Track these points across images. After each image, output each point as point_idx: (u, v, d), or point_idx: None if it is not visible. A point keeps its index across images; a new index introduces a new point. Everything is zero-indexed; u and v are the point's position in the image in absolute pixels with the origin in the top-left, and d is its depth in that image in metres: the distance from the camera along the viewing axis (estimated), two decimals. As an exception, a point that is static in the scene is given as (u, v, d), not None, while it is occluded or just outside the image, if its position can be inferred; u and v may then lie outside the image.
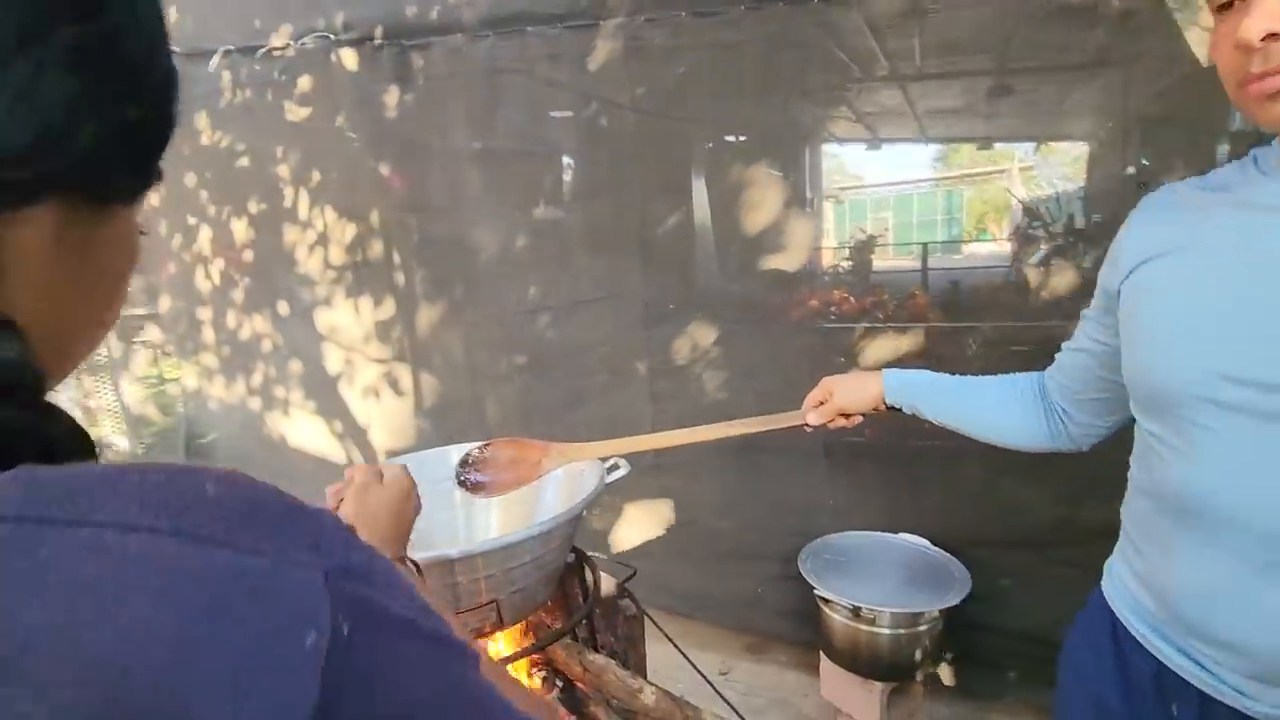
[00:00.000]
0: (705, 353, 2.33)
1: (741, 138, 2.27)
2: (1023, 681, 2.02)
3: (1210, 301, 0.68)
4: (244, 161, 2.91)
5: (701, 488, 2.37)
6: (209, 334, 3.17)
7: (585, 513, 1.26)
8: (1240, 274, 0.67)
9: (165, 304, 3.28)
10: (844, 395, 1.11)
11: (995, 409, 1.03)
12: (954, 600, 1.75)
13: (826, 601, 1.86)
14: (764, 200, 2.17)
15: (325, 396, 2.95)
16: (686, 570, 2.42)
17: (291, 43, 2.67)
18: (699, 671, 1.41)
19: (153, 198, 3.12)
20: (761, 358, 2.24)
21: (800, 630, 2.25)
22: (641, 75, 2.16)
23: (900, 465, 2.15)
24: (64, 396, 3.16)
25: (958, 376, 1.07)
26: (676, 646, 1.40)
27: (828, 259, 2.41)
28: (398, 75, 2.54)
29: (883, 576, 1.94)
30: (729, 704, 1.49)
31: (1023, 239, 2.26)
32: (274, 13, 2.67)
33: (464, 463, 1.22)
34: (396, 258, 2.69)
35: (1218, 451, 0.67)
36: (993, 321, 2.09)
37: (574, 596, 1.41)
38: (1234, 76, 0.65)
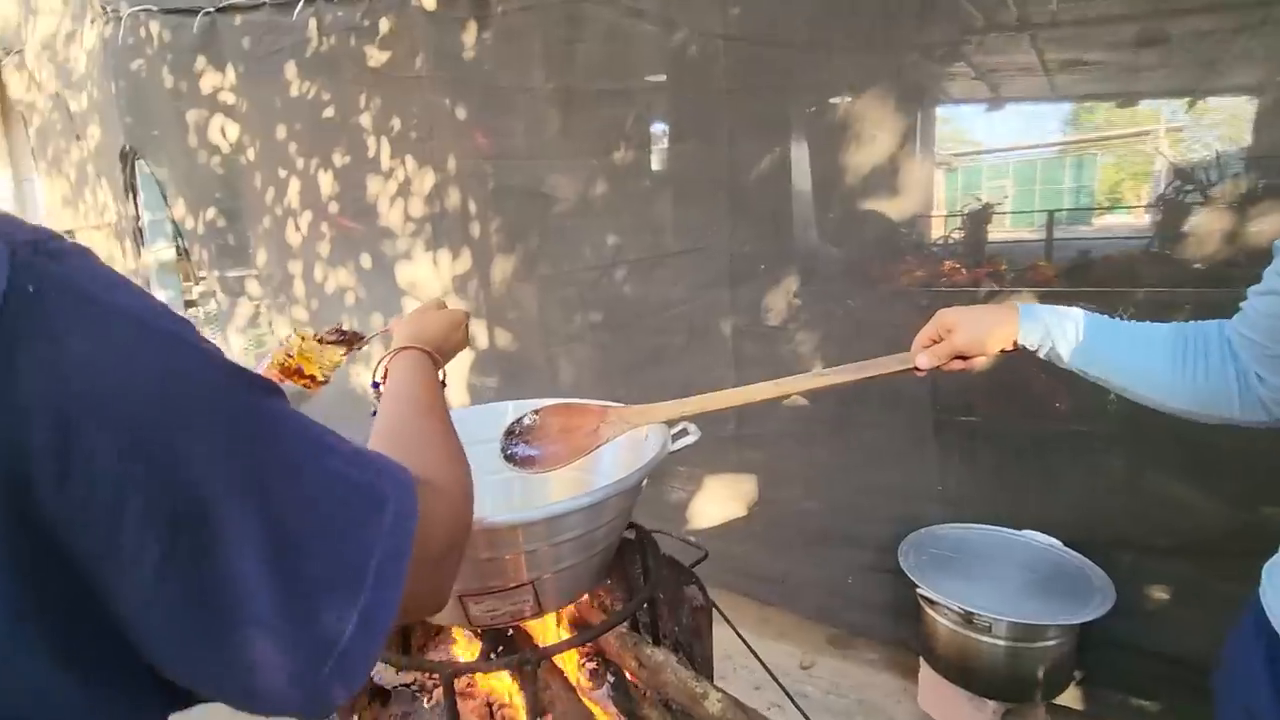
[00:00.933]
0: (796, 315, 2.08)
1: (848, 80, 1.96)
2: (1169, 714, 1.70)
3: None
4: (329, 112, 2.88)
5: (787, 463, 2.14)
6: (299, 288, 3.21)
7: (655, 486, 1.08)
8: None
9: (261, 258, 3.36)
10: (966, 332, 0.91)
11: (1165, 360, 0.82)
12: (1095, 613, 1.45)
13: (931, 603, 1.61)
14: (871, 153, 1.87)
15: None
16: (767, 553, 2.21)
17: (372, -16, 2.58)
18: (773, 677, 1.21)
19: (249, 151, 3.18)
20: (860, 325, 1.97)
21: (894, 628, 2.00)
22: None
23: (1027, 450, 1.84)
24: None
25: (1114, 319, 0.88)
26: (750, 649, 1.21)
27: (937, 228, 2.10)
28: (476, 12, 2.39)
29: (1000, 578, 1.66)
30: (800, 710, 1.29)
31: (1170, 207, 1.86)
32: (356, -47, 2.58)
33: (510, 433, 1.06)
34: (473, 207, 2.58)
35: None
36: (1145, 286, 1.73)
37: (634, 579, 1.25)
38: None
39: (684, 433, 1.08)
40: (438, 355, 0.79)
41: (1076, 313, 0.89)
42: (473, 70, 2.46)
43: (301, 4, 2.75)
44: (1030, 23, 1.77)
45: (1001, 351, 0.91)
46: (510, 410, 1.25)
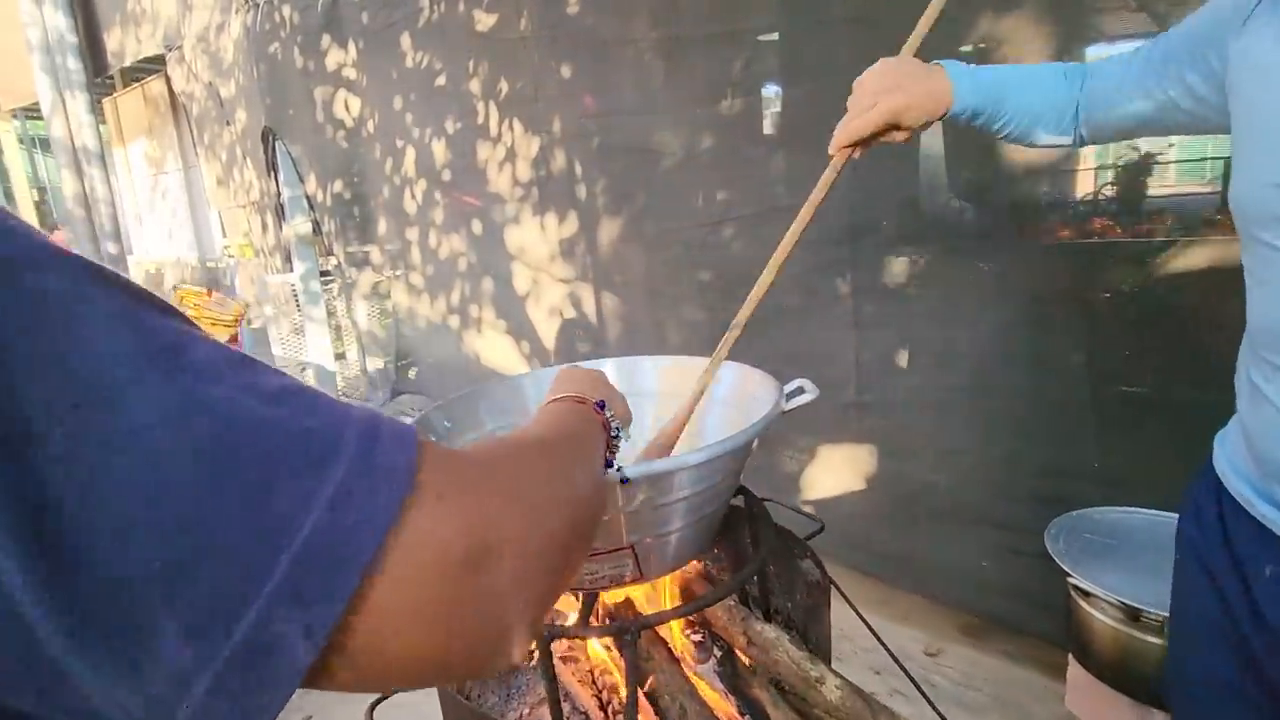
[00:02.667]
0: (922, 275, 1.88)
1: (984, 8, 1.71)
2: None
3: None
4: (441, 80, 2.93)
5: (914, 433, 1.96)
6: (415, 255, 3.33)
7: (767, 453, 0.98)
8: None
9: (381, 228, 3.51)
10: (900, 97, 0.84)
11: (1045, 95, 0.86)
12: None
13: (1087, 595, 1.40)
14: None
15: (515, 316, 2.96)
16: (888, 529, 2.05)
17: (479, -55, 2.57)
18: (898, 663, 1.09)
19: (369, 124, 3.31)
20: (998, 286, 1.75)
21: (1035, 618, 1.80)
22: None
23: (1204, 425, 1.56)
24: (318, 312, 3.55)
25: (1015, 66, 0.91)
26: (872, 630, 1.10)
27: (1085, 183, 1.81)
28: (580, -38, 2.32)
29: (1166, 571, 1.42)
30: (929, 700, 1.16)
31: None
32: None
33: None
34: (579, 169, 2.53)
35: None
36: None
37: (744, 549, 1.16)
38: None
39: (800, 391, 0.97)
40: (596, 405, 0.65)
41: (998, 70, 0.87)
42: (576, 25, 2.39)
43: (412, -27, 2.80)
44: None
45: (927, 124, 0.86)
46: (610, 368, 1.20)
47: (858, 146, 0.89)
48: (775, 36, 1.97)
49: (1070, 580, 1.43)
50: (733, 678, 1.03)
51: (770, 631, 1.00)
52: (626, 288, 2.54)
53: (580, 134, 2.47)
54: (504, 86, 2.70)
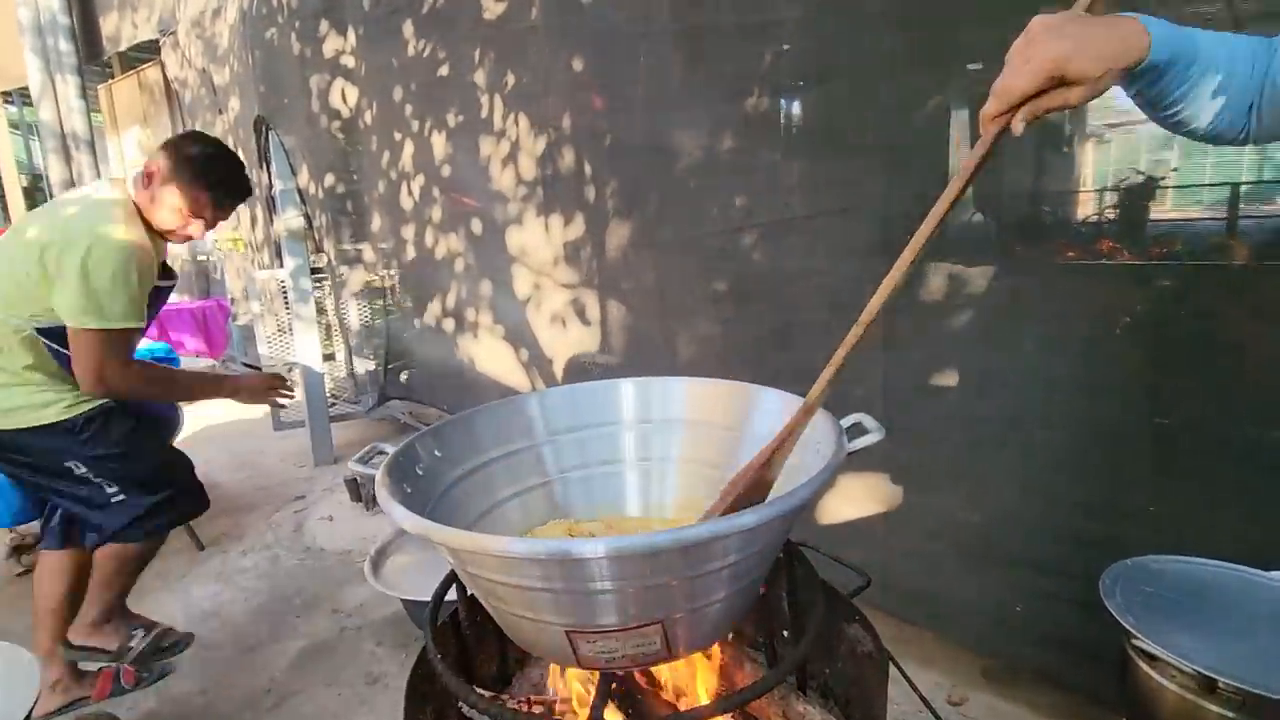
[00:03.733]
0: (956, 290, 1.73)
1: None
2: None
3: None
4: (444, 70, 2.78)
5: (944, 463, 1.81)
6: (410, 253, 3.17)
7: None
8: None
9: (376, 224, 3.35)
10: (1066, 42, 0.64)
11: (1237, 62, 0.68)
12: None
13: (1151, 658, 1.25)
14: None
15: (513, 322, 2.80)
16: (911, 564, 1.89)
17: (489, -71, 2.42)
18: (934, 712, 0.94)
19: (366, 115, 3.15)
20: (1016, 303, 1.62)
21: (1074, 670, 1.65)
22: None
23: (1273, 466, 1.42)
24: (308, 310, 3.38)
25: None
26: (908, 679, 0.94)
27: (1087, 204, 1.71)
28: (596, -51, 2.17)
29: (1241, 633, 1.27)
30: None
31: None
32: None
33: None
34: (588, 168, 2.38)
35: None
36: None
37: (776, 601, 1.01)
38: None
39: (860, 430, 0.81)
40: None
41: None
42: (590, 15, 2.24)
43: (417, -43, 2.65)
44: None
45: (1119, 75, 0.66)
46: (630, 390, 1.04)
47: (1016, 113, 0.68)
48: (804, 29, 1.82)
49: (1134, 641, 1.28)
50: (768, 767, 0.87)
51: (815, 713, 0.84)
52: (635, 296, 2.38)
53: (591, 131, 2.32)
54: (510, 79, 2.55)
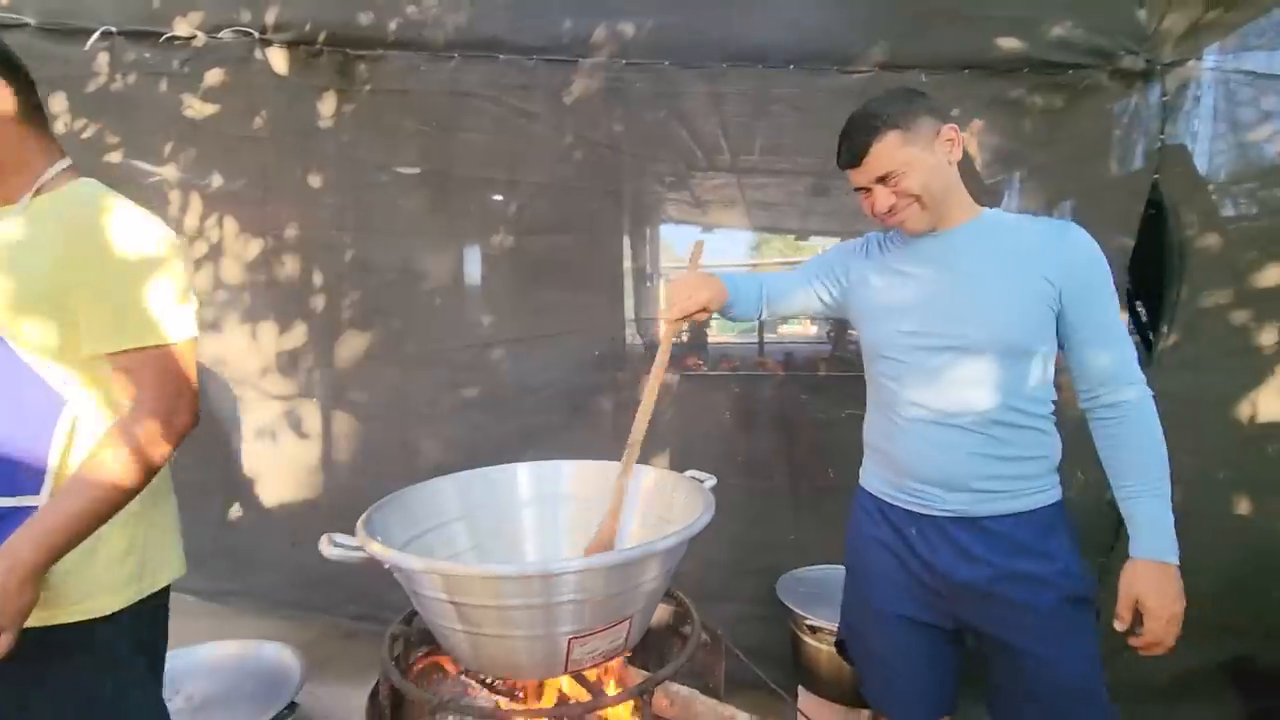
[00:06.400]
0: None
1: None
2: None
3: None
4: (114, 156, 2.46)
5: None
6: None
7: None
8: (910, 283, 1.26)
9: None
10: (710, 291, 1.28)
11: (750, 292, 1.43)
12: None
13: (814, 630, 1.89)
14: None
15: (201, 439, 2.47)
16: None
17: (200, 33, 2.36)
18: (777, 688, 1.35)
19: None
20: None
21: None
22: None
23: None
24: None
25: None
26: (743, 659, 1.34)
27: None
28: (338, 84, 2.34)
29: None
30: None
31: (835, 322, 2.72)
32: (178, -3, 2.35)
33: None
34: (318, 279, 2.39)
35: (909, 375, 1.23)
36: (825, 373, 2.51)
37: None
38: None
39: (703, 480, 1.22)
40: None
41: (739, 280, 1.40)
42: (329, 140, 2.36)
43: (95, 37, 2.38)
44: (738, 167, 2.34)
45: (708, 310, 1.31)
46: (526, 473, 1.26)
47: (683, 321, 1.30)
48: (544, 192, 2.31)
49: (803, 621, 1.90)
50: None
51: (684, 690, 1.16)
52: (370, 406, 2.41)
53: (329, 245, 2.37)
54: (217, 179, 2.43)
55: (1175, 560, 1.15)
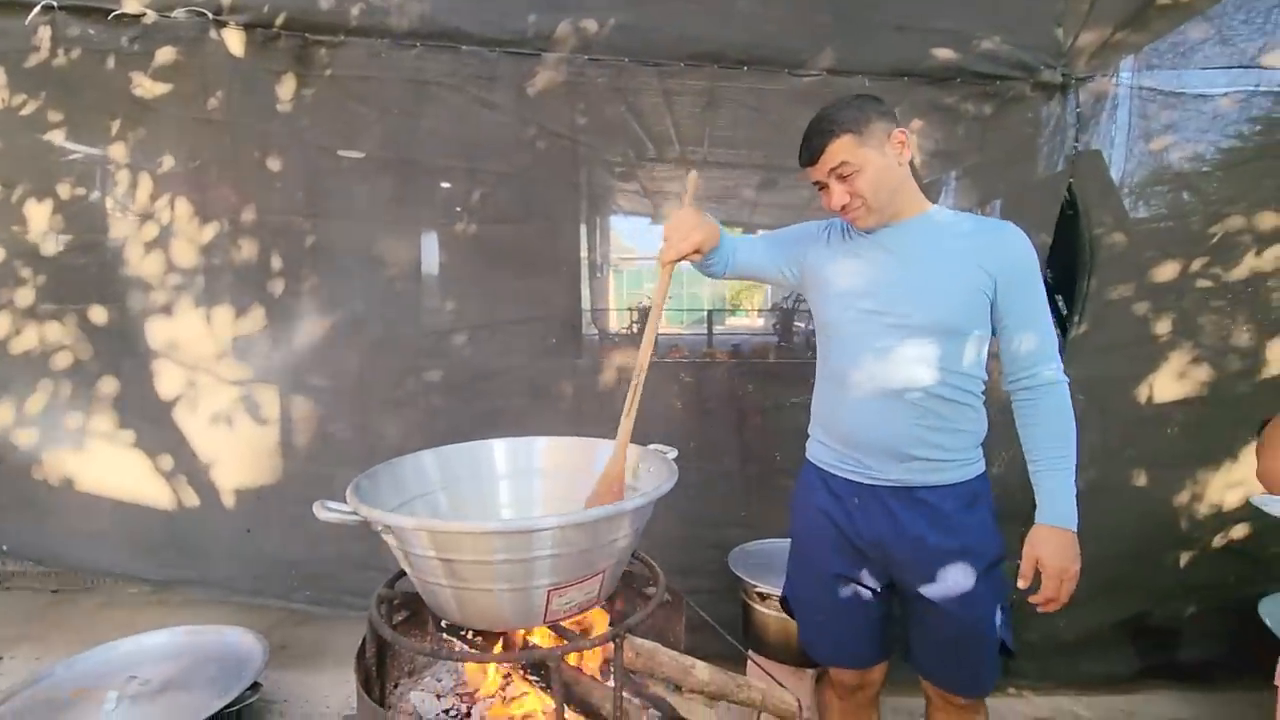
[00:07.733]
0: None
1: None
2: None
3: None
4: (55, 135, 2.39)
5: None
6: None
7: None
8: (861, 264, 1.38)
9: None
10: (705, 232, 1.35)
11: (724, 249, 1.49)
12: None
13: (763, 597, 2.02)
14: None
15: (152, 425, 2.43)
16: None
17: (151, 11, 2.32)
18: (732, 640, 1.46)
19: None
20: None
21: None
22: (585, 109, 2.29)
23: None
24: None
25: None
26: (715, 626, 1.45)
27: (618, 319, 2.99)
28: (297, 68, 2.34)
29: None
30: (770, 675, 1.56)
31: (781, 313, 2.89)
32: (130, -27, 2.30)
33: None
34: (276, 263, 2.38)
35: (860, 352, 1.34)
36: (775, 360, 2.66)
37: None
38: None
39: (665, 452, 1.32)
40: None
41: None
42: (287, 124, 2.36)
43: (35, 11, 2.30)
44: (688, 159, 2.46)
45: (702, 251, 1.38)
46: (502, 449, 1.33)
47: (677, 261, 1.37)
48: (508, 181, 2.36)
49: (756, 589, 2.03)
50: (637, 689, 1.24)
51: (648, 643, 1.26)
52: (329, 392, 2.43)
53: (287, 230, 2.36)
54: (169, 160, 2.39)
55: (1074, 527, 1.29)
